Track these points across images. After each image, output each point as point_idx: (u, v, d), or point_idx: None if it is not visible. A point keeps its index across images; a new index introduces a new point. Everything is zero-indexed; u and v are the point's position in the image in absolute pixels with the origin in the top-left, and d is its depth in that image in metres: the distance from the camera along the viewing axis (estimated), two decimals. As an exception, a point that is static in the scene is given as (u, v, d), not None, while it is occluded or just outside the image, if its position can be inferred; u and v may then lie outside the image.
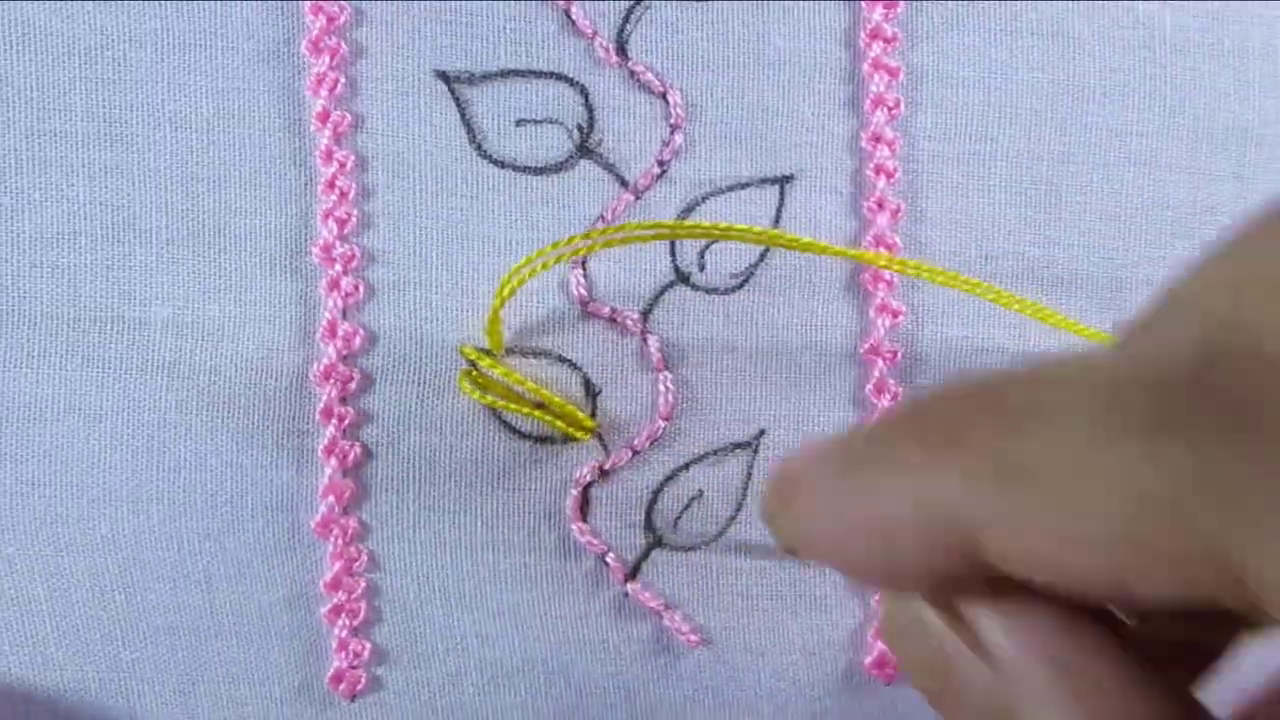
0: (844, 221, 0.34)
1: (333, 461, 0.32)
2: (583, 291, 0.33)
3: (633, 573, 0.34)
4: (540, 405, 0.32)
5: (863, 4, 0.34)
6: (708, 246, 0.34)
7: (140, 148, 0.32)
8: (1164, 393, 0.17)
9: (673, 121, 0.33)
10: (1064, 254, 0.35)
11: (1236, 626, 0.21)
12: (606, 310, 0.33)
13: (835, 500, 0.21)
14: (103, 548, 0.32)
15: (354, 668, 0.33)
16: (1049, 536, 0.18)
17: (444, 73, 0.33)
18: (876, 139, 0.34)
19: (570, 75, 0.33)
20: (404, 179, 0.33)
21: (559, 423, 0.32)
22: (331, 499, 0.33)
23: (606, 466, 0.33)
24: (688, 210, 0.33)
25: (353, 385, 0.32)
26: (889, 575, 0.22)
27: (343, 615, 0.33)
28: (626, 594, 0.34)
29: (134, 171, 0.32)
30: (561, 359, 0.33)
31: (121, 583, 0.32)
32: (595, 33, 0.33)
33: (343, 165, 0.32)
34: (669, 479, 0.34)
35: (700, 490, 0.34)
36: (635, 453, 0.33)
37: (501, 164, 0.33)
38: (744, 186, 0.34)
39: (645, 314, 0.33)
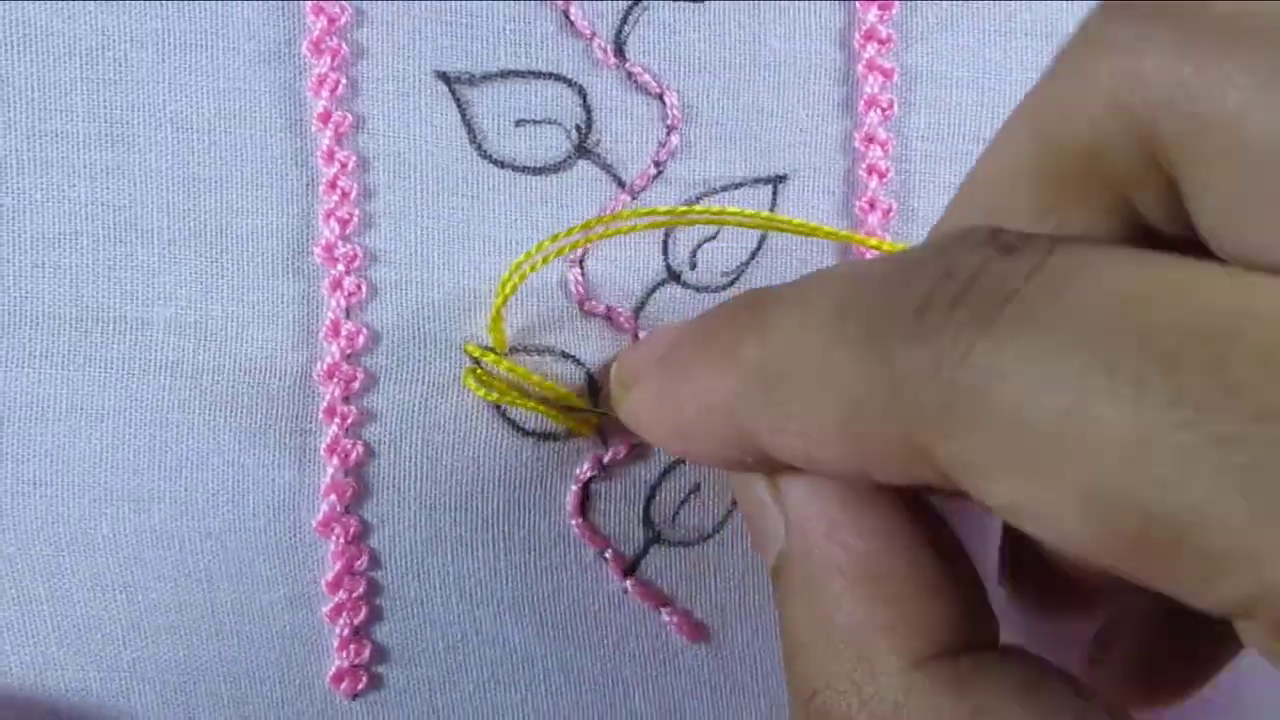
0: (836, 221, 0.35)
1: (334, 460, 0.33)
2: (580, 289, 0.33)
3: (631, 568, 0.34)
4: (546, 400, 0.32)
5: (857, 5, 0.34)
6: (700, 245, 0.34)
7: (142, 148, 0.32)
8: (875, 306, 0.20)
9: (669, 122, 0.34)
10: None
11: None
12: (602, 308, 0.34)
13: (653, 397, 0.26)
14: (104, 547, 0.32)
15: (355, 666, 0.33)
16: (797, 434, 0.22)
17: (444, 73, 0.33)
18: (870, 139, 0.34)
19: (569, 76, 0.33)
20: (405, 179, 0.33)
21: (565, 417, 0.33)
22: (333, 498, 0.33)
23: (606, 460, 0.34)
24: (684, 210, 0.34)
25: (355, 384, 0.33)
26: (700, 459, 0.27)
27: (344, 614, 0.33)
28: (625, 589, 0.34)
29: (136, 172, 0.32)
30: (565, 355, 0.33)
31: (122, 582, 0.32)
32: (594, 34, 0.33)
33: (344, 166, 0.32)
34: (666, 473, 0.34)
35: (697, 484, 0.34)
36: (634, 446, 0.34)
37: (501, 164, 0.33)
38: (738, 186, 0.34)
39: (637, 311, 0.34)
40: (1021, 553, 0.28)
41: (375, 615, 0.33)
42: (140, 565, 0.32)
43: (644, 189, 0.34)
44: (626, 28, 0.33)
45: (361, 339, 0.33)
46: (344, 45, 0.32)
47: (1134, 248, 0.19)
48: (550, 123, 0.33)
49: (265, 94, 0.32)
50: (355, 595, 0.33)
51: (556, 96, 0.33)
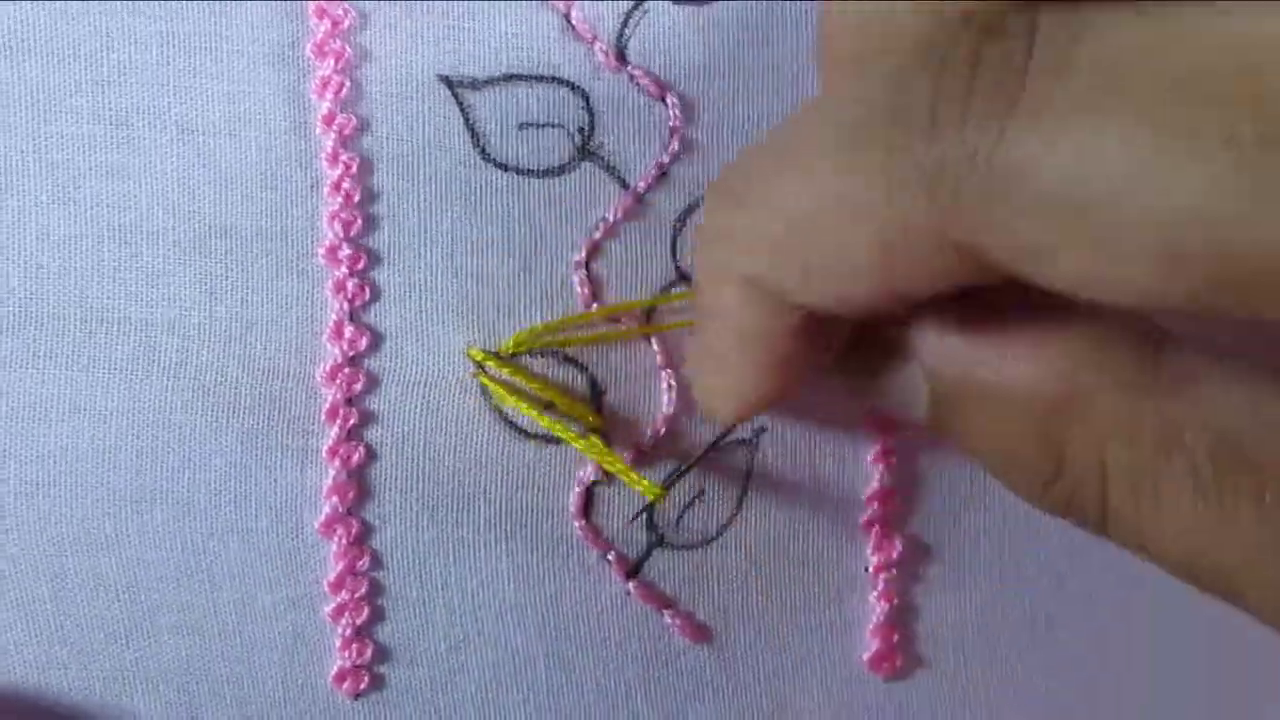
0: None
1: (336, 462, 0.33)
2: (586, 292, 0.34)
3: (634, 571, 0.34)
4: (548, 404, 0.33)
5: (860, 9, 0.34)
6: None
7: (146, 150, 0.32)
8: (880, 126, 0.20)
9: (671, 124, 0.34)
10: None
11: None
12: (611, 310, 0.34)
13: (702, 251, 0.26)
14: (107, 548, 0.32)
15: (357, 667, 0.33)
16: (823, 278, 0.22)
17: (447, 77, 0.33)
18: (872, 142, 0.34)
19: (571, 79, 0.33)
20: (409, 182, 0.33)
21: (566, 427, 0.33)
22: (335, 499, 0.33)
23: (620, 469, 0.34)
24: (688, 211, 0.34)
25: (357, 386, 0.33)
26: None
27: (346, 614, 0.33)
28: (628, 592, 0.34)
29: (140, 174, 0.32)
30: (567, 358, 0.33)
31: (125, 582, 0.32)
32: (595, 37, 0.33)
33: (348, 168, 0.32)
34: (671, 477, 0.34)
35: (702, 489, 0.34)
36: (640, 451, 0.34)
37: (504, 167, 0.33)
38: (741, 189, 0.34)
39: (648, 313, 0.34)
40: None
41: (377, 616, 0.33)
42: (143, 566, 0.32)
43: (648, 190, 0.34)
44: (627, 30, 0.34)
45: (364, 341, 0.33)
46: (347, 48, 0.33)
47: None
48: (553, 125, 0.33)
49: (269, 96, 0.32)
50: (357, 596, 0.33)
51: (559, 99, 0.33)
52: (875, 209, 0.20)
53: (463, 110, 0.33)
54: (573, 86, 0.33)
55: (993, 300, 0.22)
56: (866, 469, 0.35)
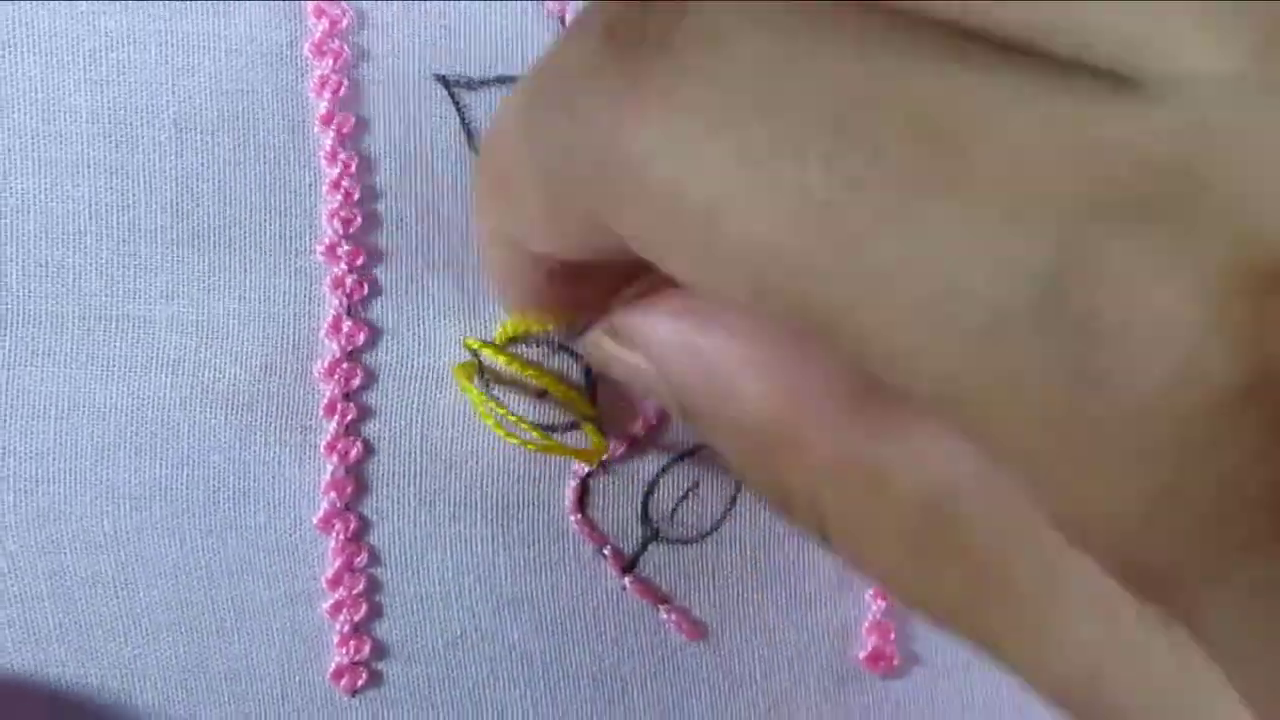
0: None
1: (334, 457, 0.33)
2: (580, 288, 0.34)
3: (630, 565, 0.34)
4: (543, 393, 0.33)
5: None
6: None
7: (144, 149, 0.32)
8: (544, 82, 0.20)
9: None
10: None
11: None
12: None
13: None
14: (105, 544, 0.32)
15: (355, 663, 0.33)
16: (518, 224, 0.22)
17: (443, 77, 0.33)
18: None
19: (567, 79, 0.34)
20: (407, 181, 0.33)
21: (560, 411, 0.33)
22: (333, 494, 0.33)
23: (605, 456, 0.34)
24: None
25: (355, 381, 0.33)
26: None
27: (344, 611, 0.33)
28: (624, 586, 0.34)
29: (138, 172, 0.32)
30: (562, 346, 0.34)
31: (123, 579, 0.33)
32: (591, 37, 0.34)
33: (347, 167, 0.33)
34: (665, 470, 0.34)
35: (696, 482, 0.34)
36: (633, 440, 0.34)
37: (500, 165, 0.33)
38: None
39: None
40: None
41: (375, 612, 0.34)
42: (141, 562, 0.32)
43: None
44: (623, 30, 0.34)
45: (362, 336, 0.33)
46: (346, 47, 0.33)
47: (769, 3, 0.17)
48: (549, 124, 0.34)
49: (267, 95, 0.33)
50: (355, 592, 0.33)
51: (554, 98, 0.34)
52: (536, 163, 0.20)
53: (459, 110, 0.33)
54: (568, 86, 0.34)
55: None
56: (861, 463, 0.35)
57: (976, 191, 0.14)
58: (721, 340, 0.22)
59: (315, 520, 0.33)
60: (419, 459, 0.33)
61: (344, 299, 0.33)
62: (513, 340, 0.33)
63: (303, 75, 0.33)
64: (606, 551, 0.34)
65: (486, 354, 0.33)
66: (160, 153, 0.32)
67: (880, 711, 0.36)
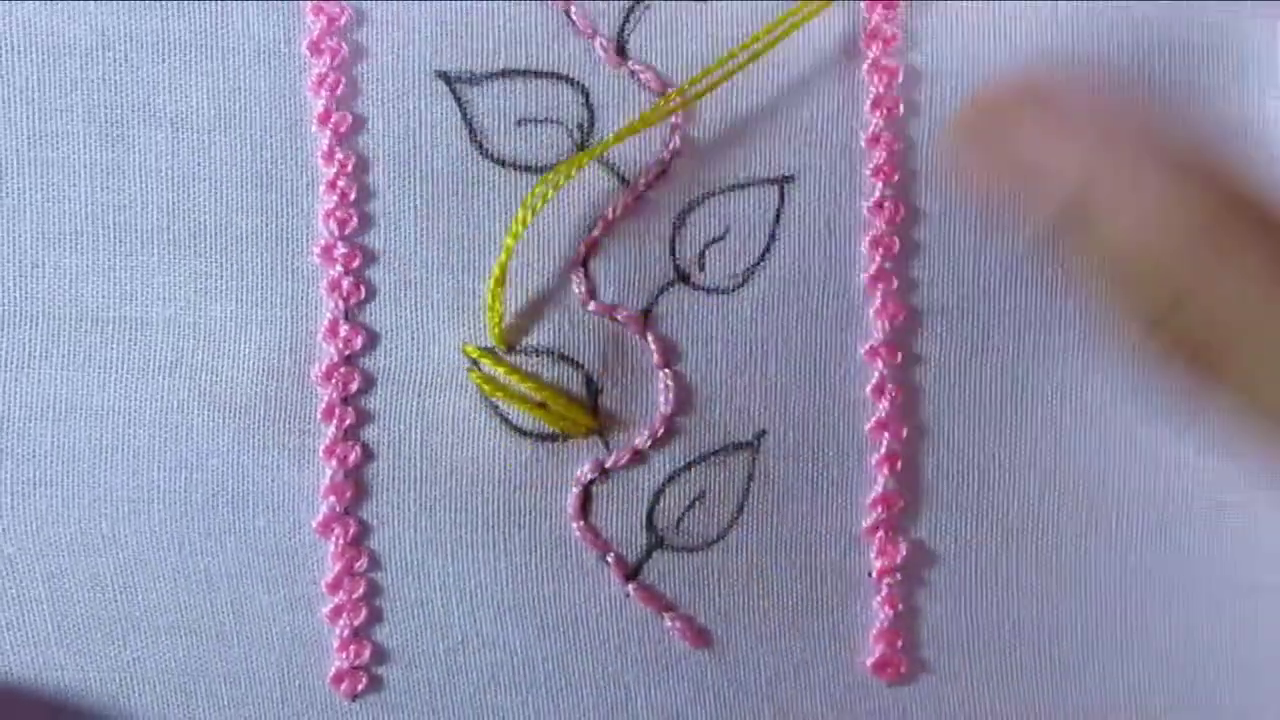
0: (843, 222, 0.34)
1: (333, 462, 0.33)
2: (584, 290, 0.33)
3: (634, 573, 0.34)
4: (542, 404, 0.32)
5: (862, 5, 0.34)
6: (708, 246, 0.34)
7: (141, 148, 0.32)
8: None
9: (672, 122, 0.33)
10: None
11: None
12: (608, 309, 0.33)
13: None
14: (103, 548, 0.32)
15: (355, 668, 0.33)
16: None
17: (445, 73, 0.33)
18: (875, 139, 0.34)
19: (570, 75, 0.33)
20: (405, 179, 0.33)
21: (561, 421, 0.33)
22: (332, 499, 0.33)
23: (608, 465, 0.33)
24: (688, 210, 0.34)
25: (353, 385, 0.33)
26: None
27: (343, 615, 0.33)
28: (628, 594, 0.34)
29: (135, 172, 0.32)
30: (563, 357, 0.33)
31: (122, 583, 0.32)
32: (595, 33, 0.33)
33: (344, 166, 0.32)
34: (671, 479, 0.34)
35: (702, 491, 0.34)
36: (637, 452, 0.33)
37: (502, 163, 0.33)
38: (744, 187, 0.34)
39: (646, 312, 0.34)
40: None
41: (375, 616, 0.33)
42: (140, 566, 0.32)
43: (648, 188, 0.33)
44: (628, 26, 0.33)
45: (359, 340, 0.32)
46: (343, 45, 0.32)
47: None
48: (552, 122, 0.33)
49: (264, 94, 0.32)
50: (355, 596, 0.33)
51: (558, 95, 0.33)
52: None
53: (460, 106, 0.33)
54: (572, 82, 0.33)
55: None
56: (870, 473, 0.34)
57: None
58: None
59: (314, 524, 0.33)
60: (419, 464, 0.33)
61: (341, 302, 0.32)
62: (513, 349, 0.33)
63: (300, 73, 0.32)
64: (609, 559, 0.34)
65: (486, 363, 0.32)
66: (156, 152, 0.32)
67: (887, 718, 0.35)
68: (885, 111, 0.34)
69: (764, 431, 0.34)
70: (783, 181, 0.34)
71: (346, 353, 0.32)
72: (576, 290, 0.33)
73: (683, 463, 0.34)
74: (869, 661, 0.35)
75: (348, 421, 0.32)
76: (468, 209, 0.33)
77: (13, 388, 0.32)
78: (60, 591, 0.32)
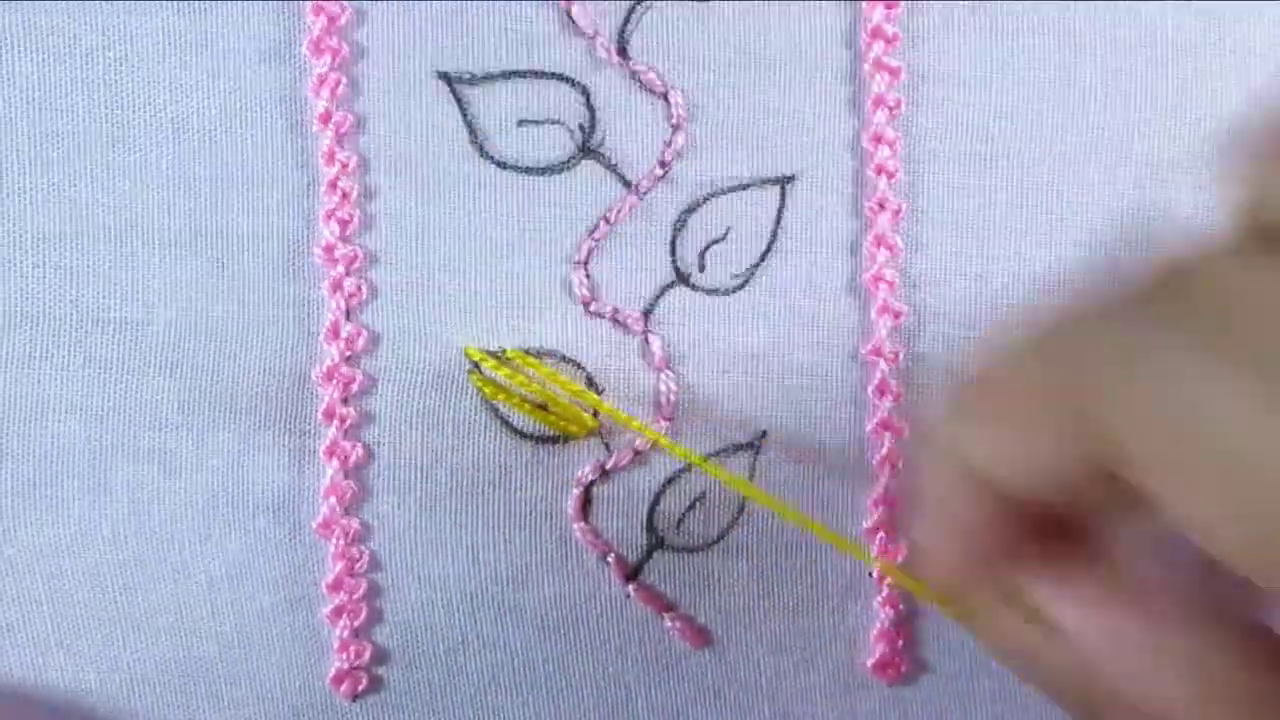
0: (845, 222, 0.34)
1: (334, 462, 0.33)
2: (585, 292, 0.33)
3: (634, 573, 0.34)
4: (543, 405, 0.32)
5: (863, 4, 0.34)
6: (708, 247, 0.34)
7: (142, 148, 0.32)
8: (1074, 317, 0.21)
9: (674, 122, 0.33)
10: (1066, 254, 0.35)
11: None
12: (609, 310, 0.33)
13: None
14: (104, 548, 0.32)
15: (355, 668, 0.33)
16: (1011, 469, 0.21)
17: (445, 73, 0.33)
18: (878, 139, 0.34)
19: (571, 75, 0.33)
20: (406, 180, 0.33)
21: (562, 422, 0.32)
22: (333, 499, 0.33)
23: (609, 466, 0.33)
24: (690, 210, 0.33)
25: (355, 386, 0.32)
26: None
27: (344, 616, 0.33)
28: (628, 594, 0.34)
29: (136, 172, 0.32)
30: (565, 359, 0.33)
31: (122, 583, 0.32)
32: (596, 33, 0.33)
33: (345, 166, 0.32)
34: (671, 480, 0.34)
35: (702, 492, 0.34)
36: (637, 453, 0.33)
37: (503, 164, 0.33)
38: (745, 187, 0.34)
39: (646, 314, 0.34)
40: None
41: (375, 617, 0.33)
42: (140, 566, 0.32)
43: (650, 189, 0.33)
44: (630, 26, 0.33)
45: (361, 341, 0.32)
46: (344, 45, 0.32)
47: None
48: (553, 122, 0.33)
49: (265, 94, 0.32)
50: (355, 597, 0.33)
51: (559, 96, 0.33)
52: (1045, 386, 0.21)
53: (461, 107, 0.33)
54: (573, 83, 0.33)
55: None
56: (871, 473, 0.34)
57: None
58: (1145, 623, 0.22)
59: (315, 525, 0.33)
60: (420, 464, 0.33)
61: (342, 302, 0.32)
62: (514, 351, 0.33)
63: (301, 73, 0.32)
64: (610, 559, 0.34)
65: (488, 366, 0.32)
66: (158, 152, 0.32)
67: (887, 719, 0.35)
68: (888, 110, 0.34)
69: (764, 432, 0.34)
70: (784, 182, 0.34)
71: (348, 353, 0.32)
72: (577, 291, 0.33)
73: (683, 464, 0.34)
74: (869, 662, 0.35)
75: (349, 422, 0.32)
76: (469, 209, 0.33)
77: (13, 388, 0.32)
78: (60, 593, 0.32)
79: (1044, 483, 0.21)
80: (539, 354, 0.33)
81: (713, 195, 0.34)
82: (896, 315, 0.34)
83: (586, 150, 0.33)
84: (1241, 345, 0.17)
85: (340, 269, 0.32)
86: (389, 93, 0.33)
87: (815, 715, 0.35)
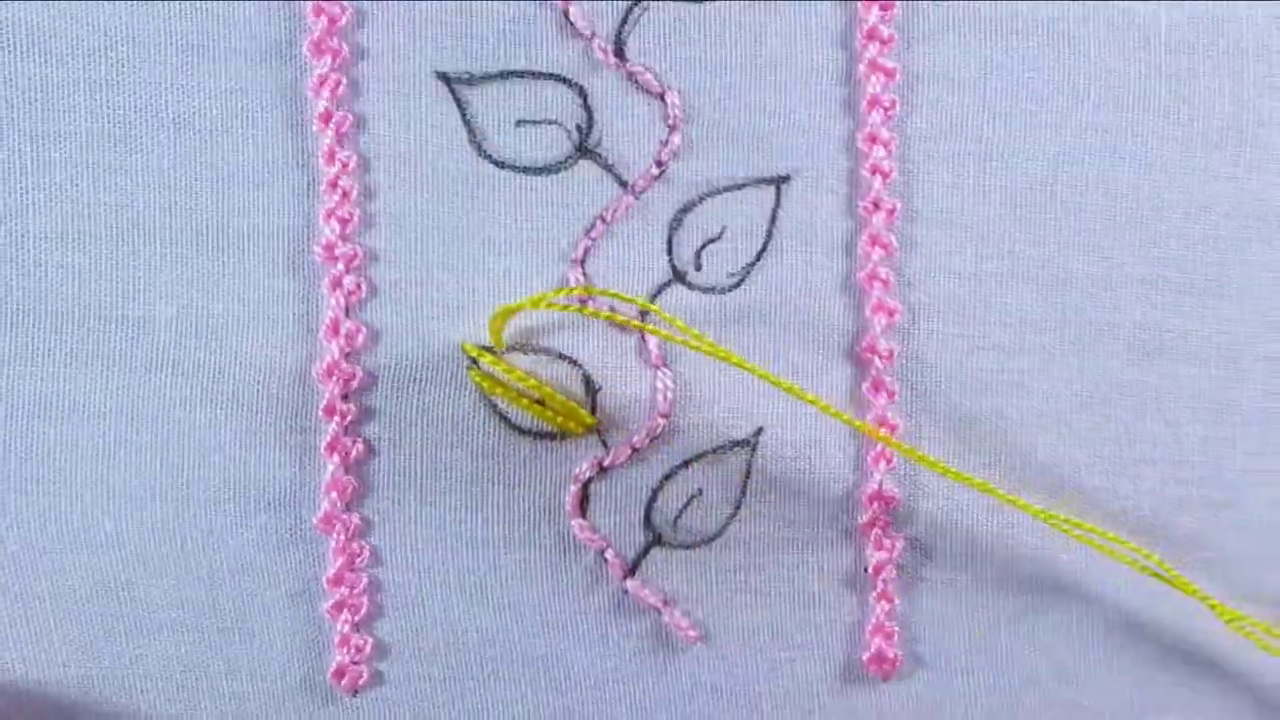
0: (840, 221, 0.34)
1: (335, 458, 0.33)
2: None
3: (632, 569, 0.34)
4: (540, 401, 0.32)
5: (858, 5, 0.34)
6: (704, 246, 0.34)
7: (144, 148, 0.32)
8: None
9: (670, 122, 0.34)
10: (1058, 253, 0.35)
11: None
12: (605, 308, 0.34)
13: None
14: (106, 544, 0.32)
15: (356, 663, 0.34)
16: None
17: (444, 74, 0.33)
18: (873, 139, 0.34)
19: (569, 76, 0.33)
20: (406, 179, 0.33)
21: (559, 419, 0.33)
22: (334, 495, 0.33)
23: (606, 463, 0.34)
24: (686, 210, 0.34)
25: (355, 382, 0.33)
26: None
27: (345, 610, 0.33)
28: (626, 590, 0.34)
29: (137, 172, 0.32)
30: (562, 356, 0.33)
31: (125, 579, 0.33)
32: (594, 34, 0.33)
33: (345, 165, 0.32)
34: (668, 476, 0.34)
35: (700, 489, 0.34)
36: (635, 450, 0.34)
37: (501, 164, 0.33)
38: (741, 187, 0.34)
39: (643, 313, 0.34)
40: None
41: (376, 612, 0.34)
42: (142, 562, 0.33)
43: (646, 188, 0.34)
44: (627, 28, 0.33)
45: (361, 337, 0.33)
46: (344, 45, 0.32)
47: None
48: (551, 123, 0.33)
49: (266, 94, 0.32)
50: (356, 592, 0.33)
51: (557, 96, 0.33)
52: None
53: (460, 107, 0.33)
54: (570, 83, 0.33)
55: None
56: (866, 469, 0.34)
57: None
58: None
59: (316, 520, 0.33)
60: (420, 460, 0.33)
61: (343, 299, 0.33)
62: (511, 348, 0.33)
63: (301, 74, 0.32)
64: (608, 555, 0.34)
65: (486, 361, 0.32)
66: (159, 152, 0.32)
67: (883, 714, 0.36)
68: (883, 111, 0.34)
69: (762, 429, 0.34)
70: (779, 181, 0.34)
71: (348, 350, 0.33)
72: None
73: (680, 460, 0.34)
74: (865, 656, 0.35)
75: (349, 418, 0.33)
76: (468, 208, 0.33)
77: (16, 385, 0.32)
78: (63, 588, 0.33)
79: None
80: (536, 350, 0.33)
81: (709, 195, 0.34)
82: (891, 313, 0.34)
83: (584, 150, 0.33)
84: None
85: (340, 267, 0.33)
86: (389, 93, 0.33)
87: (811, 709, 0.35)
